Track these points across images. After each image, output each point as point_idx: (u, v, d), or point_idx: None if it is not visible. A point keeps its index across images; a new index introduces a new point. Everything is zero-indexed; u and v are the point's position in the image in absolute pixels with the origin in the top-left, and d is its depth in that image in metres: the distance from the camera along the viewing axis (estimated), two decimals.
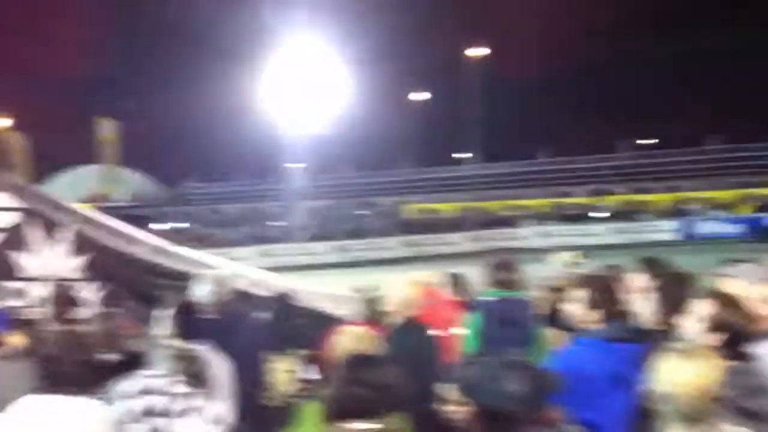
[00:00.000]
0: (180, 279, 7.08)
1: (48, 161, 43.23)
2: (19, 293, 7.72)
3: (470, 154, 57.19)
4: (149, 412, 2.03)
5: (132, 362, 2.67)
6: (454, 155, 64.20)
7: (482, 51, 48.80)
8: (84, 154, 47.31)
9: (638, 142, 63.89)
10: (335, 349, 4.38)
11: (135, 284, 7.16)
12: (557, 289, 6.25)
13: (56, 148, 43.79)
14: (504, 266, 5.71)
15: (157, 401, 2.03)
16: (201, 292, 5.31)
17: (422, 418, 4.25)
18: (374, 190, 61.29)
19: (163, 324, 5.10)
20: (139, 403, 2.04)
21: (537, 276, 6.88)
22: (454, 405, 3.02)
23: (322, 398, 2.96)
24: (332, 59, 37.88)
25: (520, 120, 74.16)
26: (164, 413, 1.99)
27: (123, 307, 5.12)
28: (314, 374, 6.08)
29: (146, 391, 2.05)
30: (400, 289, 5.11)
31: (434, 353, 5.11)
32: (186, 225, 49.96)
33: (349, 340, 4.37)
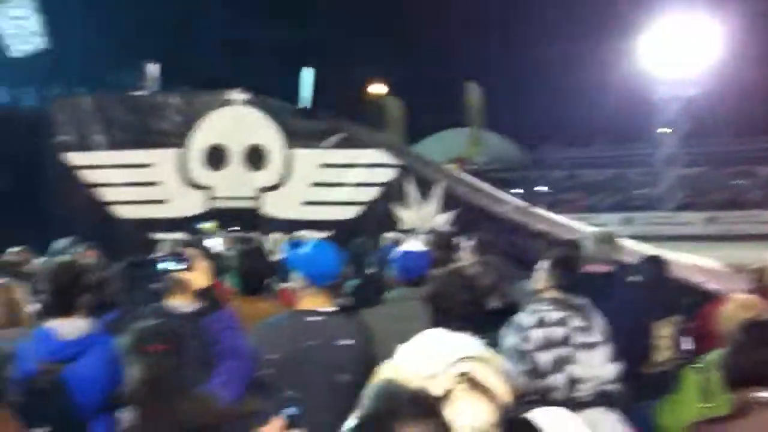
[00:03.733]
0: (543, 238, 7.16)
1: (419, 124, 46.03)
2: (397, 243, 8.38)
3: None
4: (549, 342, 2.02)
5: (511, 311, 2.66)
6: None
7: None
8: (452, 118, 49.55)
9: None
10: (723, 318, 4.12)
11: (499, 241, 7.42)
12: None
13: (427, 112, 46.36)
14: None
15: (556, 331, 2.01)
16: (584, 248, 5.29)
17: None
18: (755, 158, 55.76)
19: (536, 278, 5.12)
20: (538, 334, 2.03)
21: None
22: None
23: (722, 367, 2.74)
24: (706, 16, 35.15)
25: None
26: (565, 342, 1.97)
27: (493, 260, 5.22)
28: (688, 344, 5.76)
29: (543, 324, 2.03)
30: None
31: None
32: (544, 189, 50.26)
33: (739, 308, 4.07)
